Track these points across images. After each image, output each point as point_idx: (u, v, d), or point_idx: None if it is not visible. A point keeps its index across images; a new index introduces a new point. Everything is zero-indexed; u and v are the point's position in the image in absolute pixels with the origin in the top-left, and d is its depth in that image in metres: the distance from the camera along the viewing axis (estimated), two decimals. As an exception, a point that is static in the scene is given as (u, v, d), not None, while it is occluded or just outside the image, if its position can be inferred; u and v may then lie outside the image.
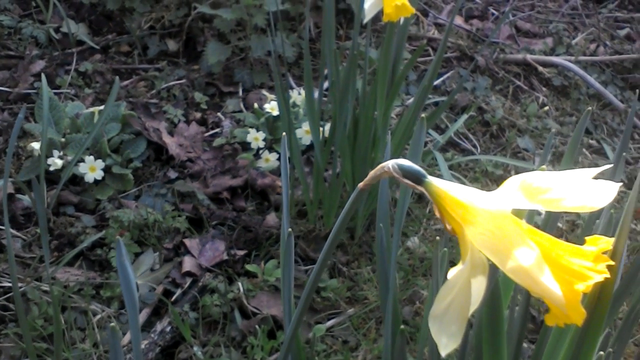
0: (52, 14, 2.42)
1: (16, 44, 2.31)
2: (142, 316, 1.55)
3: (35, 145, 1.80)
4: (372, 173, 0.56)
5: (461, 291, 0.52)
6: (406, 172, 0.55)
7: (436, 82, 2.57)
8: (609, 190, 0.50)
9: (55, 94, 2.06)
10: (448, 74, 2.61)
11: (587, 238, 0.52)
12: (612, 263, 0.50)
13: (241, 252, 1.69)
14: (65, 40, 2.37)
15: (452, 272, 0.52)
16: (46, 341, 1.44)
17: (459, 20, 3.08)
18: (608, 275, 0.49)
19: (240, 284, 1.60)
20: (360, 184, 0.57)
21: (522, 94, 2.65)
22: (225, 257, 1.67)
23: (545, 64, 2.76)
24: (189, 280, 1.62)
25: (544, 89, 2.70)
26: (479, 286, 0.53)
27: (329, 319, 1.60)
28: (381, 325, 1.59)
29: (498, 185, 1.81)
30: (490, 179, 2.16)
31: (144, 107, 2.06)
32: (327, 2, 1.62)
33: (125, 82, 2.27)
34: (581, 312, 0.50)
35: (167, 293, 1.60)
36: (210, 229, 1.75)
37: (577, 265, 0.50)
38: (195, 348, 1.48)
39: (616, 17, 3.37)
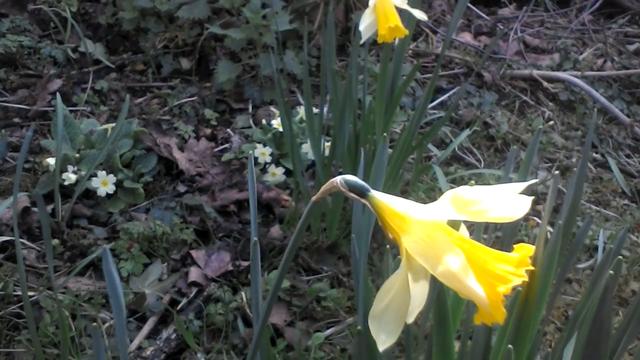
0: (71, 35, 2.52)
1: (35, 63, 2.41)
2: (149, 324, 1.62)
3: (51, 160, 1.88)
4: (323, 187, 0.63)
5: (398, 293, 0.58)
6: (352, 187, 0.61)
7: (443, 98, 2.63)
8: (525, 204, 0.56)
9: (71, 111, 2.15)
10: (454, 90, 2.67)
11: (514, 246, 0.58)
12: (532, 268, 0.56)
13: (245, 263, 1.76)
14: (82, 60, 2.47)
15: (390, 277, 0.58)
16: (57, 347, 1.51)
17: (467, 37, 3.14)
18: (526, 279, 0.55)
19: (243, 293, 1.67)
20: (314, 197, 0.64)
21: (528, 109, 2.70)
22: (230, 267, 1.74)
23: (551, 80, 2.81)
24: (194, 290, 1.69)
25: (550, 103, 2.74)
26: (421, 290, 0.59)
27: (328, 328, 1.65)
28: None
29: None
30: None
31: (155, 124, 2.14)
32: (329, 22, 1.69)
33: (139, 100, 2.36)
34: (502, 312, 0.55)
35: (174, 302, 1.67)
36: (216, 240, 1.82)
37: (500, 269, 0.56)
38: (199, 355, 1.55)
39: (626, 32, 3.41)
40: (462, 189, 0.58)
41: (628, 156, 2.56)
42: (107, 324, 1.59)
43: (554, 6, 3.60)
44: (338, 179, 0.62)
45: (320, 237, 1.86)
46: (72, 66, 2.44)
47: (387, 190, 1.84)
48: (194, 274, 1.71)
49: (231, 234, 1.85)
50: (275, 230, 1.85)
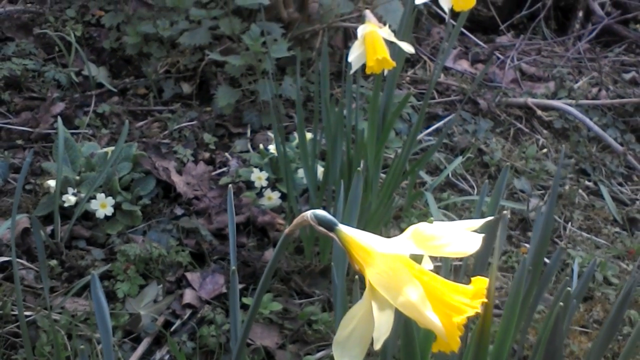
0: (75, 58, 2.58)
1: (39, 86, 2.47)
2: (144, 345, 1.65)
3: (51, 182, 1.93)
4: (295, 221, 0.67)
5: (361, 322, 0.62)
6: (320, 221, 0.65)
7: (438, 125, 2.68)
8: (476, 241, 0.60)
9: (73, 134, 2.21)
10: (450, 117, 2.72)
11: (472, 278, 0.62)
12: (486, 301, 0.60)
13: (239, 286, 1.79)
14: (85, 83, 2.53)
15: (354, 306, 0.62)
16: (53, 366, 1.55)
17: (464, 65, 3.20)
18: (479, 310, 0.59)
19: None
20: (286, 230, 0.68)
21: (522, 136, 2.75)
22: (224, 290, 1.78)
23: (546, 108, 2.85)
24: (188, 312, 1.72)
25: (544, 131, 2.79)
26: (387, 318, 0.63)
27: (319, 351, 1.69)
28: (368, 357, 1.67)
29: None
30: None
31: (155, 147, 2.19)
32: (323, 51, 1.74)
33: (140, 123, 2.41)
34: (457, 341, 0.59)
35: (168, 323, 1.71)
36: (211, 263, 1.86)
37: (456, 301, 0.60)
38: (191, 375, 1.58)
39: (623, 60, 3.46)
40: (422, 225, 0.62)
41: (620, 184, 2.60)
42: (101, 344, 1.62)
43: (552, 34, 3.66)
44: (308, 213, 0.66)
45: (314, 261, 1.90)
46: (76, 89, 2.50)
47: (380, 215, 1.89)
48: (189, 296, 1.75)
49: (226, 257, 1.89)
50: (269, 254, 1.89)
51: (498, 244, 0.81)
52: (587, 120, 2.74)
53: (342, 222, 0.67)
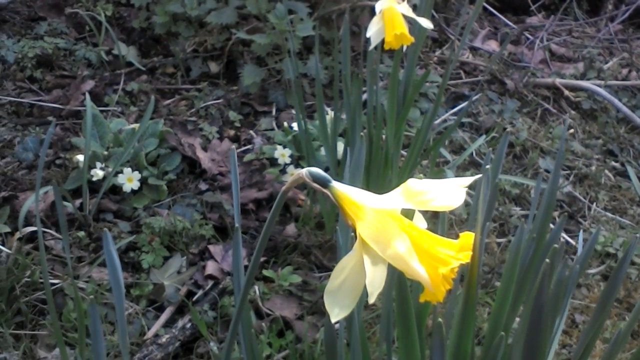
0: (105, 38, 2.63)
1: (70, 64, 2.53)
2: (166, 313, 1.70)
3: (80, 157, 1.98)
4: (291, 178, 0.70)
5: (352, 273, 0.64)
6: (315, 178, 0.68)
7: (464, 105, 2.68)
8: (460, 195, 0.62)
9: (102, 111, 2.26)
10: (476, 97, 2.71)
11: (460, 234, 0.64)
12: (470, 253, 0.62)
13: (261, 259, 1.83)
14: (115, 62, 2.58)
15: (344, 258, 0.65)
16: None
17: (493, 45, 3.18)
18: (464, 262, 0.61)
19: (256, 287, 1.74)
20: (283, 187, 0.71)
21: (549, 117, 2.73)
22: (245, 262, 1.81)
23: (574, 88, 2.83)
24: (210, 283, 1.77)
25: (572, 112, 2.77)
26: (380, 273, 0.65)
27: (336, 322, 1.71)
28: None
29: (516, 204, 1.90)
30: (507, 197, 2.24)
31: (181, 125, 2.24)
32: (344, 30, 1.76)
33: (168, 101, 2.46)
34: (442, 291, 0.62)
35: (190, 293, 1.75)
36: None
37: (442, 253, 0.62)
38: (211, 344, 1.63)
39: (656, 42, 3.41)
40: (412, 181, 0.65)
41: (648, 165, 2.58)
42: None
43: (584, 15, 3.61)
44: (304, 170, 0.69)
45: (334, 236, 1.92)
46: (105, 68, 2.55)
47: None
48: (211, 267, 1.79)
49: (248, 231, 1.93)
50: (291, 229, 1.92)
51: (481, 198, 0.82)
52: (616, 101, 2.72)
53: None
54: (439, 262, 0.62)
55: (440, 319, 0.79)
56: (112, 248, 0.86)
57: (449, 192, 0.62)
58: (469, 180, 0.64)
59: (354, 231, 0.65)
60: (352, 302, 0.64)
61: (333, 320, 0.64)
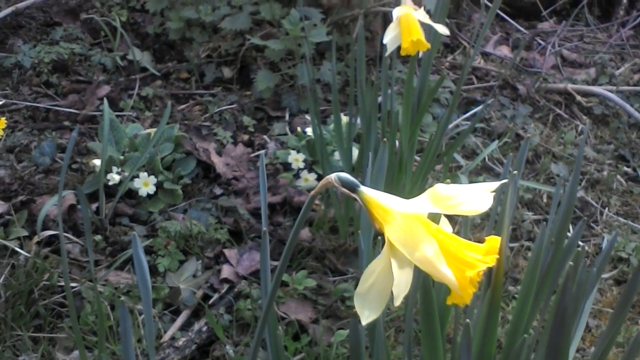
0: (120, 43, 2.66)
1: (86, 70, 2.55)
2: (183, 316, 1.72)
3: (97, 161, 2.00)
4: (321, 183, 0.71)
5: (380, 276, 0.65)
6: (344, 183, 0.69)
7: (476, 110, 2.68)
8: (488, 199, 0.64)
9: (118, 116, 2.28)
10: (488, 102, 2.72)
11: (486, 237, 0.66)
12: (497, 257, 0.63)
13: (275, 263, 1.84)
14: (130, 67, 2.60)
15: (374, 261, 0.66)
16: (97, 335, 1.62)
17: (505, 50, 3.19)
18: (491, 265, 0.62)
19: (272, 291, 1.75)
20: (312, 192, 0.72)
21: (561, 122, 2.74)
22: (257, 267, 1.83)
23: (586, 94, 2.84)
24: (226, 286, 1.78)
25: (584, 117, 2.78)
26: (406, 276, 0.67)
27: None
28: (399, 333, 1.71)
29: (528, 209, 1.91)
30: (520, 202, 2.25)
31: (196, 130, 2.26)
32: (359, 35, 1.78)
33: (182, 106, 2.48)
34: (469, 294, 0.63)
35: (206, 297, 1.77)
36: (248, 241, 1.92)
37: (469, 257, 0.64)
38: (227, 347, 1.64)
39: (669, 47, 3.41)
40: (439, 186, 0.66)
41: (660, 171, 2.58)
42: (142, 316, 1.69)
43: (595, 21, 3.62)
44: (333, 175, 0.70)
45: (348, 240, 1.94)
46: (120, 73, 2.57)
47: (413, 197, 1.92)
48: (226, 271, 1.81)
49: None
50: (305, 233, 1.94)
51: (508, 204, 0.83)
52: (628, 106, 2.72)
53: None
54: (466, 265, 0.63)
55: (467, 320, 0.80)
56: (141, 251, 0.87)
57: (478, 196, 0.63)
58: (495, 184, 0.66)
59: (382, 235, 0.67)
60: (381, 304, 0.66)
61: (364, 323, 0.65)
